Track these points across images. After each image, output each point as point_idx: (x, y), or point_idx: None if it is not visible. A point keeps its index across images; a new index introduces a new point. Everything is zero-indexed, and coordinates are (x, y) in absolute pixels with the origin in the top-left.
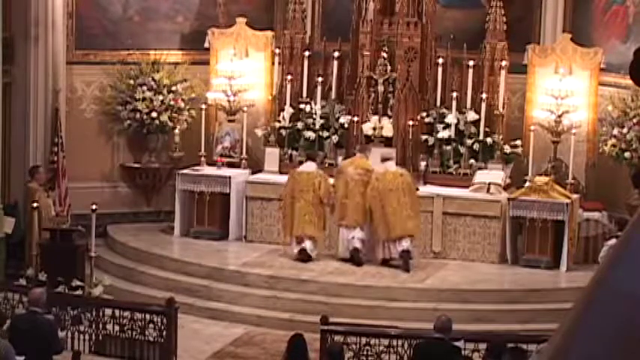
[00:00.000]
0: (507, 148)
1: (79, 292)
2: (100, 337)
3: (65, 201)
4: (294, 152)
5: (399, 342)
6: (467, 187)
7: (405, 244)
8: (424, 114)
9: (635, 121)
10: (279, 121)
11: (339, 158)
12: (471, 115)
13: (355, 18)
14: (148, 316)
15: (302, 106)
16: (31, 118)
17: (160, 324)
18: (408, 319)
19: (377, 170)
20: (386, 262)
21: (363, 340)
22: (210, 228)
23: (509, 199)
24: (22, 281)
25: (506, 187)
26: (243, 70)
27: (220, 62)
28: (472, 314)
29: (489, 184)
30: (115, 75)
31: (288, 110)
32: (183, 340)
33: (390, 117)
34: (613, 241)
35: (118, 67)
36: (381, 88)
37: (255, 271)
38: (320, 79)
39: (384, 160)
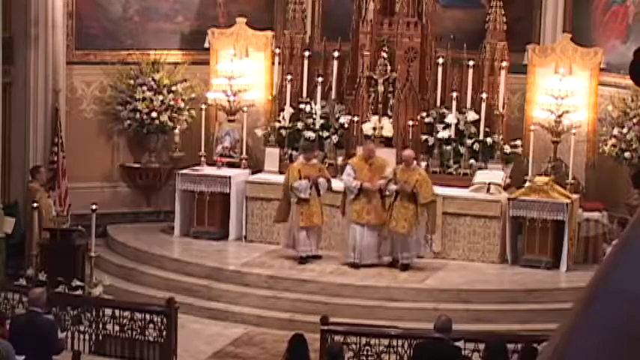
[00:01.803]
0: (507, 148)
1: (79, 292)
2: (100, 337)
3: (65, 201)
4: (294, 152)
5: (399, 342)
6: (467, 187)
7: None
8: (424, 114)
9: (635, 121)
10: (279, 121)
11: (339, 158)
12: (471, 115)
13: (355, 18)
14: (148, 316)
15: (302, 106)
16: (31, 118)
17: (160, 324)
18: (408, 319)
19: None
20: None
21: (363, 340)
22: (210, 228)
23: (509, 199)
24: (22, 281)
25: (506, 187)
26: (243, 70)
27: (220, 62)
28: (472, 314)
29: (489, 184)
30: (115, 75)
31: (288, 110)
32: (183, 340)
33: (390, 117)
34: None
35: (118, 67)
36: (381, 88)
37: (255, 271)
38: (320, 79)
39: (413, 159)
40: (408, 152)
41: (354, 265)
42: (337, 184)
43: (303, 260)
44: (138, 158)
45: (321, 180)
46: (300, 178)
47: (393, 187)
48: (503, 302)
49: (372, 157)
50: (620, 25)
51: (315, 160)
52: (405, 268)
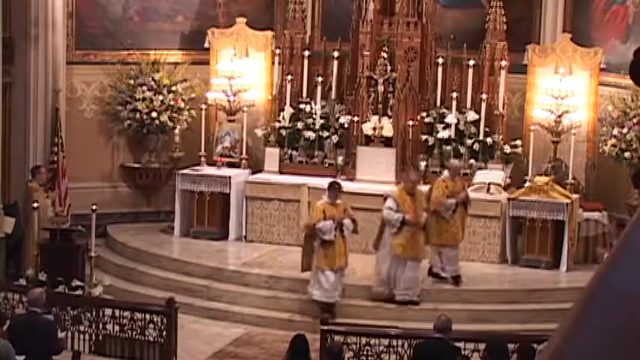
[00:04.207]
0: (507, 148)
1: (79, 292)
2: (100, 337)
3: (65, 201)
4: (294, 152)
5: (399, 342)
6: (467, 187)
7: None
8: (424, 114)
9: (635, 121)
10: (279, 121)
11: (340, 158)
12: (471, 115)
13: (355, 18)
14: (148, 316)
15: (302, 106)
16: (31, 118)
17: (159, 324)
18: (408, 319)
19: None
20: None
21: (363, 340)
22: (210, 228)
23: (509, 199)
24: (22, 281)
25: (506, 187)
26: (243, 70)
27: (220, 62)
28: (472, 314)
29: (489, 184)
30: (115, 75)
31: (288, 110)
32: (183, 340)
33: (390, 117)
34: None
35: (118, 67)
36: (381, 88)
37: (255, 271)
38: (320, 79)
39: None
40: (457, 163)
41: (391, 300)
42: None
43: (328, 307)
44: (138, 158)
45: (347, 221)
46: (324, 219)
47: (451, 201)
48: (503, 302)
49: (415, 188)
50: (620, 25)
51: (339, 200)
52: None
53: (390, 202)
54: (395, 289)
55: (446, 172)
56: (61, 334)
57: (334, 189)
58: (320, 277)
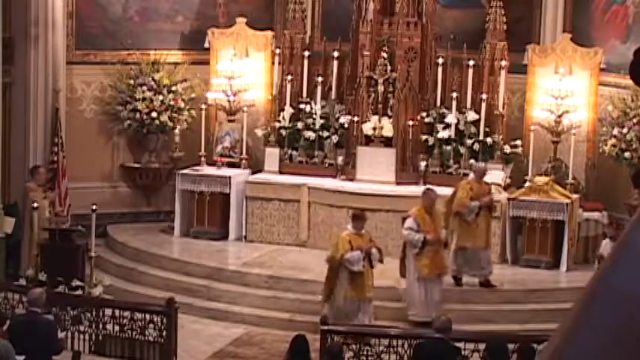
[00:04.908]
0: (507, 148)
1: (79, 292)
2: (100, 337)
3: (65, 201)
4: (294, 152)
5: (399, 342)
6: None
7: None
8: (424, 114)
9: (635, 121)
10: (279, 121)
11: (340, 158)
12: (471, 115)
13: (355, 18)
14: (148, 316)
15: (302, 106)
16: (31, 118)
17: (159, 324)
18: (408, 319)
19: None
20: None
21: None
22: (210, 228)
23: (509, 199)
24: (22, 281)
25: (506, 187)
26: (243, 70)
27: (220, 62)
28: (472, 314)
29: (489, 184)
30: (115, 75)
31: (288, 110)
32: (183, 340)
33: (390, 117)
34: None
35: (118, 67)
36: (381, 88)
37: (255, 271)
38: (320, 79)
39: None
40: (483, 165)
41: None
42: (338, 183)
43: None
44: (138, 158)
45: (374, 250)
46: (351, 250)
47: (475, 203)
48: (503, 302)
49: (433, 207)
50: (620, 25)
51: (363, 230)
52: (489, 283)
53: (410, 223)
54: (426, 311)
55: (472, 174)
56: (61, 334)
57: (360, 219)
58: (342, 306)
